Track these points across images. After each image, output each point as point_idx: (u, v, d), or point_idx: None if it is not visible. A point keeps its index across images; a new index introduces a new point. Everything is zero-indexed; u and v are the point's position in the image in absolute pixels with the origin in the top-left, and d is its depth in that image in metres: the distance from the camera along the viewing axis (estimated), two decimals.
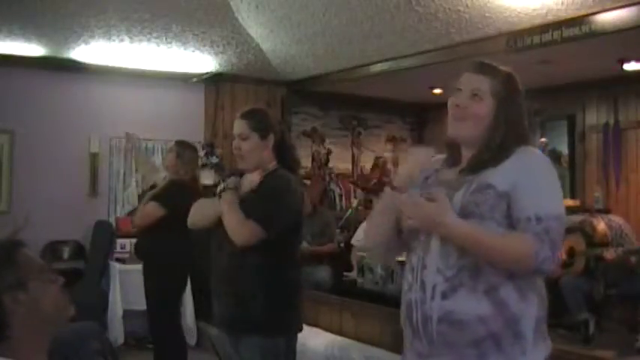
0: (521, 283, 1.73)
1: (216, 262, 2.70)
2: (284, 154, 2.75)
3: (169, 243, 4.13)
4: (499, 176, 1.75)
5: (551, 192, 1.78)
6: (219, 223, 2.66)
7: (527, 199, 1.72)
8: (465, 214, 1.73)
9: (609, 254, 5.16)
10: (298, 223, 2.71)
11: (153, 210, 4.15)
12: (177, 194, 4.11)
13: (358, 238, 5.74)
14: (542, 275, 1.78)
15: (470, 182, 1.77)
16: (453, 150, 1.92)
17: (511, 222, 1.74)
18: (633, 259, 5.15)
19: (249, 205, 2.58)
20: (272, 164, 2.72)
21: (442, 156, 1.98)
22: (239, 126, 2.71)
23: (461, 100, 1.83)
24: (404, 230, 1.89)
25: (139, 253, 4.48)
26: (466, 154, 1.87)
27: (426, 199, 1.74)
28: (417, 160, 1.93)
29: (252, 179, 2.72)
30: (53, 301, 1.47)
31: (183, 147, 4.40)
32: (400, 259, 4.24)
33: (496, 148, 1.80)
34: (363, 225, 5.78)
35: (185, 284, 4.51)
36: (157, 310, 4.27)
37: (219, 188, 2.70)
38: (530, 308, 1.74)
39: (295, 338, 2.71)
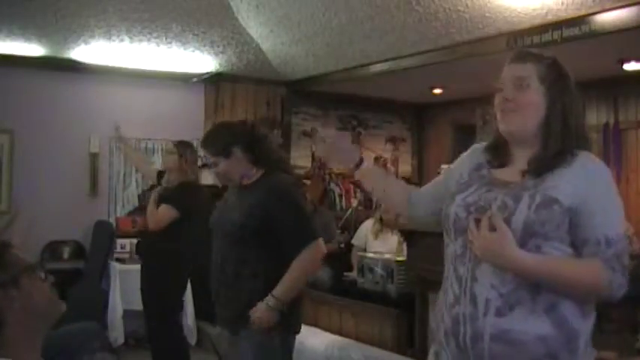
0: (582, 301, 1.65)
1: (216, 264, 2.72)
2: (262, 159, 2.74)
3: (175, 243, 4.14)
4: (564, 188, 1.61)
5: (617, 209, 1.66)
6: (214, 227, 2.75)
7: (596, 219, 1.60)
8: (527, 233, 1.59)
9: None
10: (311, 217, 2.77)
11: (167, 213, 4.15)
12: (190, 196, 4.15)
13: (358, 238, 5.73)
14: (615, 300, 1.65)
15: (532, 194, 1.62)
16: (498, 150, 1.78)
17: (570, 240, 1.63)
18: (634, 262, 5.15)
19: (254, 223, 2.59)
20: (252, 171, 2.73)
21: (482, 145, 1.85)
22: (204, 156, 2.84)
23: (507, 92, 1.69)
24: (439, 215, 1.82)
25: (143, 252, 4.46)
26: (518, 154, 1.73)
27: (488, 224, 1.61)
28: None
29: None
30: (45, 297, 1.49)
31: (184, 147, 4.39)
32: (399, 258, 4.24)
33: (558, 143, 1.66)
34: (364, 225, 5.79)
35: (186, 284, 4.51)
36: (158, 310, 4.26)
37: None
38: (589, 323, 1.67)
39: (293, 338, 2.71)
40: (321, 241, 2.64)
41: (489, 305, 1.61)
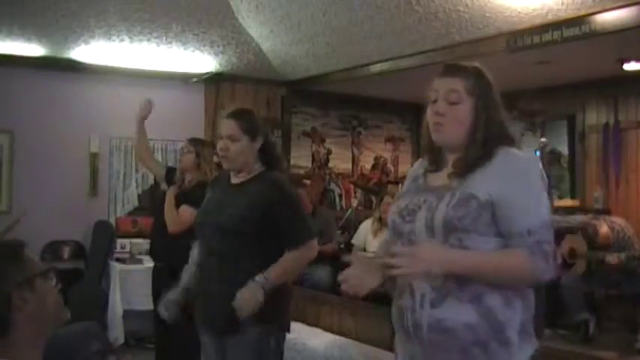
0: (506, 291, 1.76)
1: (207, 265, 2.69)
2: (268, 154, 2.73)
3: (188, 244, 4.07)
4: (482, 184, 1.76)
5: (538, 199, 1.77)
6: (203, 226, 2.72)
7: (516, 212, 1.73)
8: (448, 229, 1.75)
9: (612, 259, 5.14)
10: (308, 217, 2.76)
11: (190, 214, 4.00)
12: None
13: (358, 237, 5.74)
14: (543, 284, 1.80)
15: (453, 192, 1.78)
16: (434, 154, 1.93)
17: (496, 230, 1.76)
18: (635, 263, 5.14)
19: (255, 216, 2.56)
20: (257, 166, 2.70)
21: (422, 161, 2.01)
22: (229, 127, 2.64)
23: (440, 106, 1.84)
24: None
25: (158, 254, 4.36)
26: (450, 157, 1.89)
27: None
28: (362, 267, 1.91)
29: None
30: (55, 303, 1.49)
31: (201, 145, 4.29)
32: None
33: (479, 148, 1.80)
34: (363, 225, 5.79)
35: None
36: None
37: None
38: (516, 314, 1.78)
39: (283, 337, 2.70)
40: (315, 242, 2.64)
41: (425, 298, 1.79)
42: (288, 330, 2.72)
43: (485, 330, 1.74)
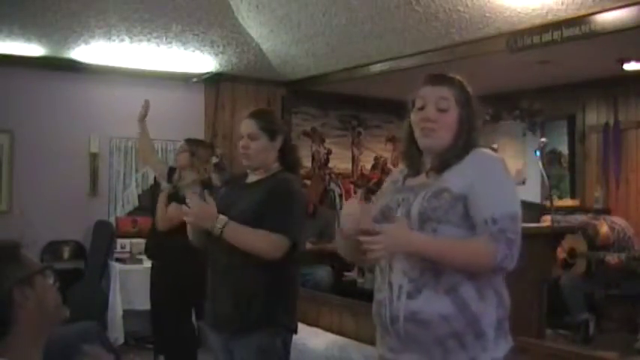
0: (479, 283, 1.84)
1: (215, 259, 2.69)
2: (287, 155, 2.77)
3: (187, 242, 4.09)
4: (455, 178, 1.87)
5: (504, 192, 1.87)
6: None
7: (482, 202, 1.83)
8: (423, 219, 1.84)
9: (612, 259, 5.14)
10: (302, 225, 2.72)
11: (177, 213, 4.06)
12: (200, 194, 4.09)
13: None
14: (503, 272, 1.86)
15: (429, 187, 1.89)
16: (414, 159, 2.02)
17: (470, 223, 1.84)
18: (635, 263, 5.15)
19: (262, 211, 2.57)
20: (275, 165, 2.73)
21: (400, 168, 2.12)
22: (249, 125, 2.71)
23: (430, 113, 1.92)
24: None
25: (152, 252, 4.41)
26: (428, 160, 1.98)
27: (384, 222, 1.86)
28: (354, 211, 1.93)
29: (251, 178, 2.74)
30: (54, 301, 1.51)
31: (196, 145, 4.34)
32: None
33: (458, 150, 1.91)
34: None
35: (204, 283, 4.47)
36: (170, 309, 4.22)
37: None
38: (490, 307, 1.85)
39: (290, 337, 2.70)
40: (286, 243, 2.56)
41: (402, 290, 1.86)
42: (295, 331, 2.72)
43: (461, 321, 1.81)
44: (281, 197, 2.61)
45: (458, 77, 2.00)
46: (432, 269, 1.82)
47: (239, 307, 2.56)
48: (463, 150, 1.92)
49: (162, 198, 4.20)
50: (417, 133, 1.96)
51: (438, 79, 1.97)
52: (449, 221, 1.83)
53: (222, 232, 2.51)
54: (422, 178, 1.98)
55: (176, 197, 4.13)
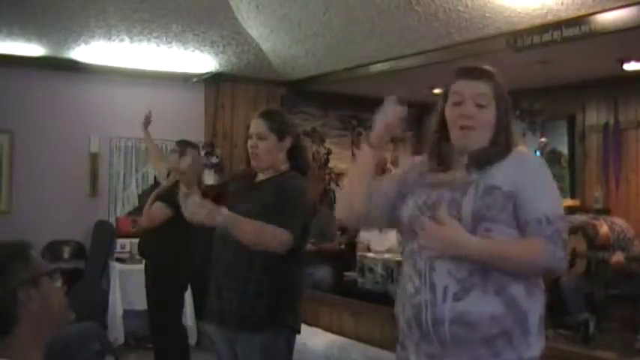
0: (528, 281, 1.79)
1: (220, 257, 2.69)
2: (297, 156, 2.76)
3: (173, 242, 4.14)
4: (501, 177, 1.79)
5: (554, 192, 1.84)
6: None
7: (534, 201, 1.77)
8: (477, 218, 1.76)
9: (612, 260, 5.14)
10: (308, 225, 2.71)
11: (160, 211, 4.15)
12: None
13: (363, 237, 5.74)
14: (558, 275, 1.85)
15: (476, 185, 1.80)
16: (444, 155, 1.93)
17: (517, 221, 1.78)
18: (635, 265, 5.14)
19: (268, 211, 2.56)
20: (284, 166, 2.73)
21: (421, 158, 2.02)
22: (258, 125, 2.71)
23: (468, 109, 1.85)
24: (398, 220, 1.95)
25: (142, 251, 4.48)
26: (460, 158, 1.89)
27: (434, 221, 1.77)
28: (390, 114, 2.05)
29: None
30: (59, 304, 1.51)
31: (185, 145, 4.39)
32: (399, 258, 4.25)
33: (501, 147, 1.85)
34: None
35: (187, 283, 4.51)
36: (159, 309, 4.26)
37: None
38: (536, 304, 1.81)
39: (294, 338, 2.71)
40: (289, 239, 2.54)
41: (447, 291, 1.76)
42: (299, 331, 2.72)
43: (510, 320, 1.75)
44: (288, 197, 2.61)
45: (492, 69, 1.92)
46: (481, 269, 1.75)
47: (243, 307, 2.57)
48: (506, 147, 1.85)
49: (152, 197, 4.27)
50: (454, 132, 1.88)
51: (476, 73, 1.88)
52: (503, 221, 1.77)
53: (221, 222, 2.48)
54: (455, 174, 1.88)
55: (161, 197, 4.18)
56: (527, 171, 1.81)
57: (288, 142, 2.71)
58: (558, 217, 1.77)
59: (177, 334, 4.37)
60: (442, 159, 1.92)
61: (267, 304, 2.56)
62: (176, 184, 4.23)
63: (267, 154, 2.69)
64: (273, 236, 2.52)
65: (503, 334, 1.74)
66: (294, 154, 2.75)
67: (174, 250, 4.19)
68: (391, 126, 2.03)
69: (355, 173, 2.12)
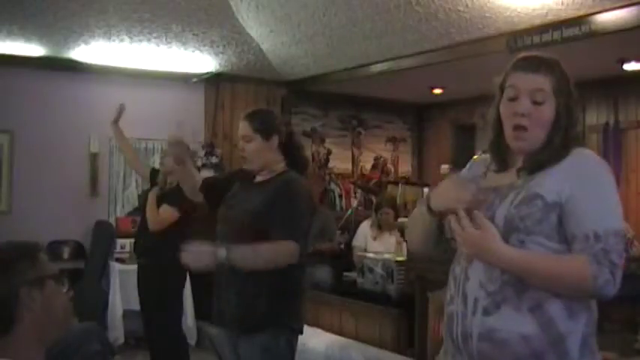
0: (570, 300, 1.61)
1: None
2: (292, 154, 2.74)
3: (173, 242, 4.12)
4: (550, 184, 1.61)
5: (610, 204, 1.63)
6: (223, 220, 2.70)
7: (584, 214, 1.58)
8: (509, 228, 1.61)
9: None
10: (308, 226, 2.71)
11: (169, 214, 4.15)
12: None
13: (358, 239, 5.74)
14: (604, 299, 1.63)
15: (518, 190, 1.64)
16: (501, 154, 1.76)
17: (563, 234, 1.61)
18: (635, 265, 5.14)
19: (268, 213, 2.56)
20: (280, 165, 2.71)
21: (486, 156, 1.83)
22: (242, 128, 2.70)
23: (523, 107, 1.66)
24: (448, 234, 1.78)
25: (140, 251, 4.46)
26: (519, 157, 1.73)
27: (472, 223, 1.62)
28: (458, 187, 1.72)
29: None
30: (63, 308, 1.51)
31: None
32: (399, 258, 4.25)
33: (556, 150, 1.66)
34: (362, 226, 5.79)
35: (184, 283, 4.51)
36: (159, 310, 4.25)
37: None
38: (578, 325, 1.62)
39: (296, 338, 2.70)
40: (295, 247, 2.54)
41: (477, 304, 1.64)
42: (301, 331, 2.71)
43: (543, 341, 1.58)
44: (285, 201, 2.59)
45: (555, 58, 1.71)
46: (515, 283, 1.59)
47: (243, 308, 2.57)
48: (562, 149, 1.65)
49: (151, 200, 4.24)
50: (508, 131, 1.69)
51: (534, 65, 1.67)
52: (541, 232, 1.59)
53: (227, 260, 2.45)
54: (510, 176, 1.71)
55: (165, 199, 4.16)
56: (582, 178, 1.61)
57: (275, 141, 2.69)
58: (612, 233, 1.57)
59: (179, 334, 4.37)
60: (500, 158, 1.76)
61: (267, 305, 2.55)
62: (178, 185, 4.22)
63: (255, 155, 2.67)
64: (282, 254, 2.52)
65: (534, 355, 1.58)
66: (289, 153, 2.73)
67: (172, 250, 4.16)
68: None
69: (419, 226, 1.86)
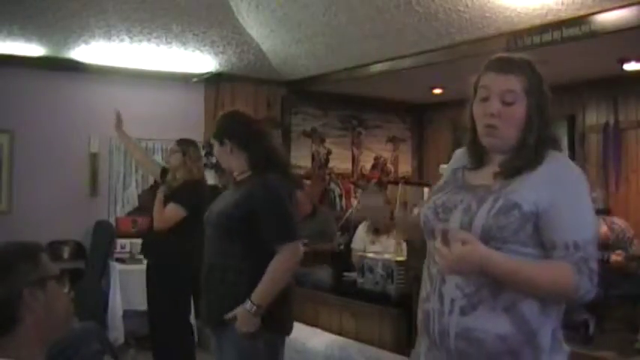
0: (543, 300, 1.68)
1: (204, 260, 2.74)
2: (255, 158, 2.71)
3: (182, 242, 4.11)
4: (527, 192, 1.65)
5: (587, 212, 1.68)
6: (207, 221, 2.76)
7: (564, 223, 1.63)
8: (486, 237, 1.64)
9: (612, 259, 5.14)
10: (295, 220, 2.73)
11: (175, 212, 4.13)
12: (196, 194, 4.12)
13: (356, 241, 5.73)
14: (577, 303, 1.72)
15: (496, 197, 1.67)
16: (478, 152, 1.81)
17: (538, 240, 1.66)
18: (634, 264, 5.14)
19: (236, 214, 2.61)
20: (244, 169, 2.74)
21: (464, 152, 1.88)
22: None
23: (493, 107, 1.70)
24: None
25: (148, 251, 4.43)
26: (495, 157, 1.77)
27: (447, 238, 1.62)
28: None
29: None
30: (65, 309, 1.51)
31: (187, 144, 4.36)
32: (399, 258, 4.24)
33: (531, 151, 1.70)
34: (360, 228, 5.80)
35: (194, 282, 4.49)
36: (171, 309, 4.23)
37: None
38: (549, 320, 1.70)
39: (281, 339, 2.70)
40: (299, 243, 2.61)
41: (454, 304, 1.68)
42: (285, 332, 2.72)
43: (519, 339, 1.65)
44: (265, 207, 2.60)
45: (526, 59, 1.75)
46: (490, 285, 1.64)
47: (222, 308, 2.60)
48: (536, 151, 1.69)
49: (158, 198, 4.22)
50: (480, 129, 1.75)
51: (505, 66, 1.72)
52: (516, 241, 1.64)
53: (258, 308, 2.52)
54: (486, 177, 1.75)
55: (172, 197, 4.15)
56: (560, 188, 1.65)
57: (228, 147, 2.73)
58: (589, 241, 1.62)
59: (188, 333, 4.37)
60: (477, 157, 1.81)
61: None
62: (185, 183, 4.22)
63: (219, 160, 2.84)
64: (288, 261, 2.58)
65: (510, 353, 1.65)
66: (253, 156, 2.71)
67: (181, 250, 4.16)
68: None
69: None
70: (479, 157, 1.81)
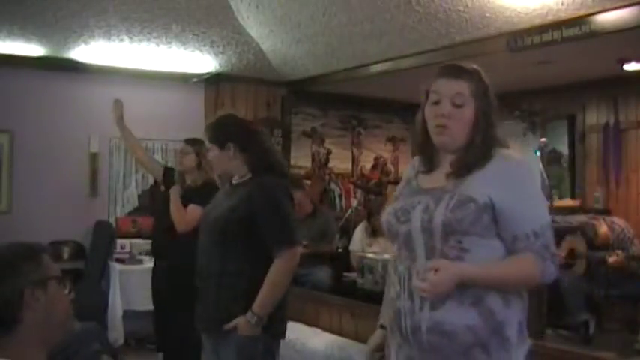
0: (506, 292, 1.80)
1: (199, 263, 2.73)
2: (256, 161, 2.71)
3: (194, 242, 4.05)
4: (480, 187, 1.78)
5: (538, 201, 1.84)
6: (202, 225, 2.76)
7: (520, 216, 1.77)
8: (447, 231, 1.76)
9: (612, 259, 5.13)
10: (294, 223, 2.72)
11: (196, 213, 3.95)
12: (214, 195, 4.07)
13: (355, 243, 5.74)
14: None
15: (451, 195, 1.79)
16: (429, 154, 1.92)
17: (496, 232, 1.78)
18: (634, 264, 5.14)
19: (233, 218, 2.60)
20: (244, 172, 2.72)
21: (414, 162, 2.01)
22: (204, 138, 2.81)
23: (444, 108, 1.83)
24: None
25: (162, 253, 4.35)
26: (445, 159, 1.88)
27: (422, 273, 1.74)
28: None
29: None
30: (65, 310, 1.51)
31: (199, 145, 4.26)
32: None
33: (479, 150, 1.82)
34: (357, 230, 5.80)
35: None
36: (184, 310, 4.18)
37: None
38: (514, 312, 1.81)
39: (277, 343, 2.71)
40: (295, 248, 2.60)
41: (424, 300, 1.78)
42: (281, 336, 2.72)
43: (486, 330, 1.76)
44: (263, 211, 2.59)
45: (474, 67, 1.89)
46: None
47: (219, 312, 2.59)
48: (483, 150, 1.82)
49: (175, 200, 4.07)
50: (431, 130, 1.87)
51: (454, 72, 1.86)
52: (475, 232, 1.76)
53: (260, 318, 2.54)
54: (439, 179, 1.87)
55: (191, 199, 4.04)
56: (510, 183, 1.78)
57: (230, 150, 2.70)
58: (546, 227, 1.78)
59: (193, 332, 4.33)
60: (428, 160, 1.93)
61: (243, 309, 2.56)
62: (205, 184, 4.12)
63: (217, 165, 2.78)
64: (286, 269, 2.58)
65: (479, 344, 1.76)
66: (251, 159, 2.70)
67: (193, 251, 4.08)
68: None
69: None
70: (430, 159, 1.92)
